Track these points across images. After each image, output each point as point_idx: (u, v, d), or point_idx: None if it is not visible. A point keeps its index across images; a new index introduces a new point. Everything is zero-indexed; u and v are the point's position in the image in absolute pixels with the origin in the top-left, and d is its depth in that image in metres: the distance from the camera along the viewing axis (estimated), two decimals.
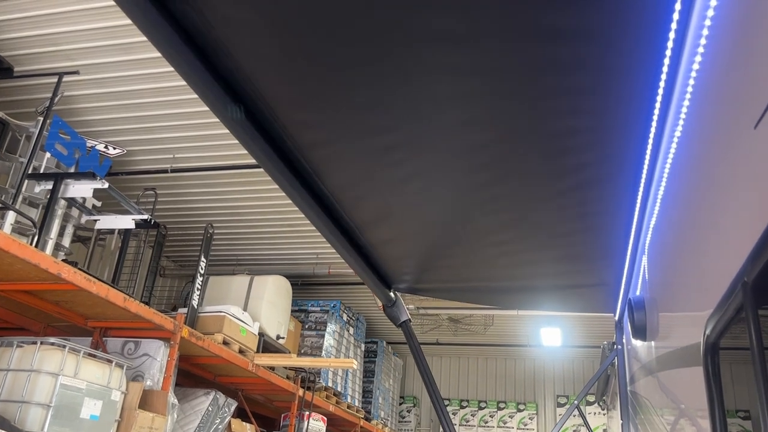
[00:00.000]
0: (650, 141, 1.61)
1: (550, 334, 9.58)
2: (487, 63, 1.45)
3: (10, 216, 4.32)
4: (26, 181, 4.46)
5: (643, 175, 1.75)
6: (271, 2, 1.28)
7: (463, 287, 2.84)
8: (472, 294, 3.03)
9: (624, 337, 2.97)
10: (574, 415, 10.82)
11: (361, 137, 1.72)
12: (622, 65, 1.42)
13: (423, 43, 1.38)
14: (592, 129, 1.64)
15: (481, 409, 11.43)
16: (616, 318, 3.00)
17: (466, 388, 11.94)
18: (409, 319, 2.73)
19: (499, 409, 11.35)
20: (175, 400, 4.86)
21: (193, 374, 6.22)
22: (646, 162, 1.70)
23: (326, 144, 1.75)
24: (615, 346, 3.02)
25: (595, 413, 10.57)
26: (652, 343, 1.95)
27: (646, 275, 2.00)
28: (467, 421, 11.38)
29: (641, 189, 1.79)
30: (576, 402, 3.18)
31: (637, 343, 2.31)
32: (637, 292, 2.25)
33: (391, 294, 2.65)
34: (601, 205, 1.98)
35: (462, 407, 11.53)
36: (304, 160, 1.82)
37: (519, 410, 11.25)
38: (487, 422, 11.26)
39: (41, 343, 3.77)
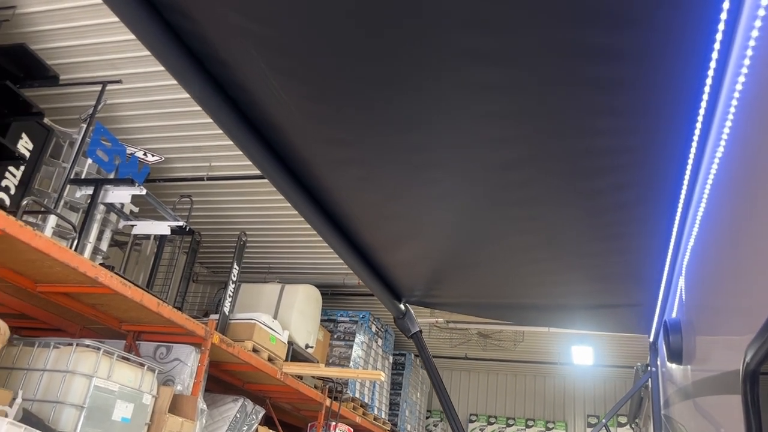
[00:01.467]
0: (690, 161, 1.58)
1: (582, 352, 9.41)
2: (522, 81, 1.44)
3: (52, 220, 4.44)
4: (68, 186, 4.59)
5: (682, 195, 1.71)
6: (295, 18, 1.29)
7: (488, 303, 2.81)
8: (497, 310, 2.99)
9: (658, 359, 2.90)
10: None
11: (385, 153, 1.72)
12: (662, 83, 1.40)
13: (455, 60, 1.38)
14: (631, 149, 1.62)
15: (509, 426, 11.27)
16: (651, 339, 2.93)
17: (494, 404, 11.79)
18: (420, 330, 2.71)
19: (528, 426, 11.18)
20: (204, 406, 4.91)
21: (222, 380, 6.28)
22: (686, 182, 1.66)
23: (344, 160, 1.76)
24: (649, 368, 2.95)
25: None
26: (689, 367, 1.90)
27: (683, 297, 1.95)
28: None
29: (679, 209, 1.76)
30: (604, 421, 3.11)
31: (673, 366, 2.26)
32: (673, 314, 2.20)
33: (402, 306, 2.64)
34: (638, 225, 1.95)
35: (490, 423, 11.39)
36: (309, 172, 1.82)
37: (548, 428, 11.06)
38: None
39: (77, 344, 3.85)
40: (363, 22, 1.29)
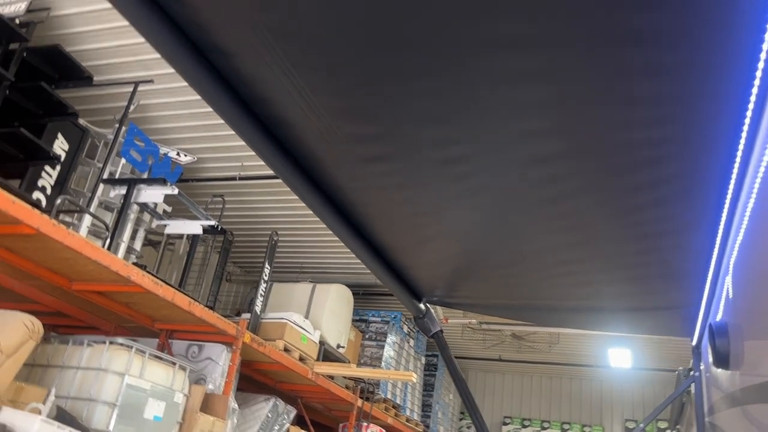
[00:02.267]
0: (740, 150, 1.48)
1: (620, 355, 9.18)
2: (559, 70, 1.36)
3: (87, 219, 4.49)
4: (102, 185, 4.64)
5: (730, 188, 1.61)
6: (314, 5, 1.24)
7: (517, 305, 2.72)
8: (527, 312, 2.90)
9: (702, 363, 2.77)
10: None
11: (410, 149, 1.65)
12: (709, 70, 1.30)
13: (488, 49, 1.31)
14: (674, 140, 1.52)
15: (544, 429, 11.08)
16: (694, 343, 2.80)
17: (528, 406, 11.61)
18: (441, 330, 2.67)
19: (563, 430, 10.97)
20: (236, 405, 4.92)
21: (255, 380, 6.29)
22: (734, 173, 1.56)
23: (366, 157, 1.70)
24: (692, 373, 2.82)
25: None
26: (737, 372, 1.79)
27: (730, 298, 1.84)
28: None
29: (727, 203, 1.65)
30: (642, 426, 2.98)
31: (718, 371, 2.14)
32: (719, 317, 2.09)
33: (422, 306, 2.59)
34: (680, 222, 1.85)
35: (524, 426, 11.21)
36: (325, 171, 1.76)
37: None
38: None
39: (110, 342, 3.88)
40: (390, 7, 1.23)
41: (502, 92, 1.43)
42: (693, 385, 2.82)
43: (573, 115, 1.48)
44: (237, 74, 1.47)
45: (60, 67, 4.06)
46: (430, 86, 1.43)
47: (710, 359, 2.12)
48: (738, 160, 1.54)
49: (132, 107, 4.73)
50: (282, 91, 1.47)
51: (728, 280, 1.87)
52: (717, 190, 1.66)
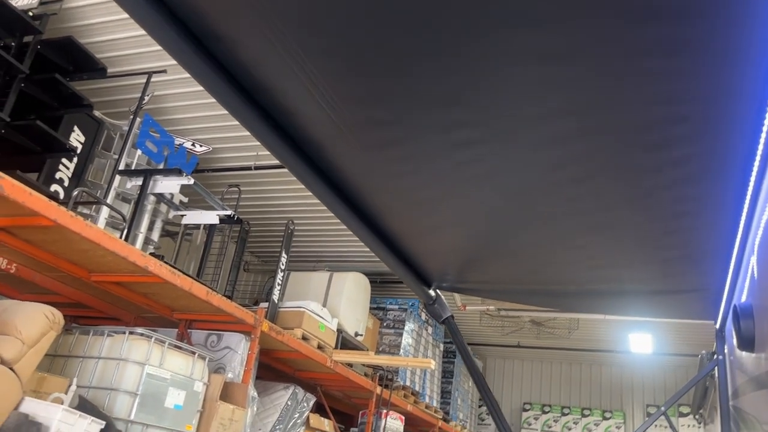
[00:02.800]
0: (765, 128, 1.43)
1: (640, 340, 9.09)
2: (576, 46, 1.32)
3: (105, 211, 4.52)
4: (119, 177, 4.66)
5: (755, 166, 1.56)
6: None
7: (534, 290, 2.68)
8: (545, 298, 2.86)
9: (726, 347, 2.72)
10: (665, 427, 10.25)
11: (422, 132, 1.61)
12: (731, 44, 1.25)
13: (501, 27, 1.27)
14: (695, 117, 1.47)
15: (564, 415, 11.04)
16: (717, 326, 2.74)
17: (548, 393, 11.57)
18: (452, 316, 2.66)
19: (584, 416, 10.92)
20: (255, 393, 4.94)
21: (274, 368, 6.33)
22: (759, 151, 1.51)
23: (375, 142, 1.66)
24: (715, 356, 2.77)
25: (689, 425, 9.96)
26: (762, 355, 1.75)
27: (756, 279, 1.79)
28: (549, 427, 11.02)
29: (752, 181, 1.60)
30: (663, 408, 2.93)
31: (743, 354, 2.09)
32: (743, 298, 2.04)
33: (432, 292, 2.57)
34: (703, 202, 1.80)
35: (544, 412, 11.18)
36: (331, 157, 1.73)
37: (605, 418, 10.78)
38: (570, 429, 10.87)
39: (129, 333, 3.91)
40: None
41: (516, 72, 1.39)
42: (716, 369, 2.77)
43: (590, 94, 1.44)
44: (238, 62, 1.44)
45: (74, 59, 4.07)
46: (442, 67, 1.40)
47: (734, 342, 2.07)
48: (763, 136, 1.49)
49: (146, 98, 4.74)
50: (288, 77, 1.44)
51: (753, 260, 1.82)
52: (741, 167, 1.61)
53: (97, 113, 4.83)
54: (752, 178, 1.58)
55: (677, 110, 1.44)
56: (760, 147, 1.48)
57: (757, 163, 1.56)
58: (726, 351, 2.72)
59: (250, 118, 1.55)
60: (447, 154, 1.69)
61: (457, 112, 1.53)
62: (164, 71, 4.78)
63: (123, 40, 4.66)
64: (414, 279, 2.45)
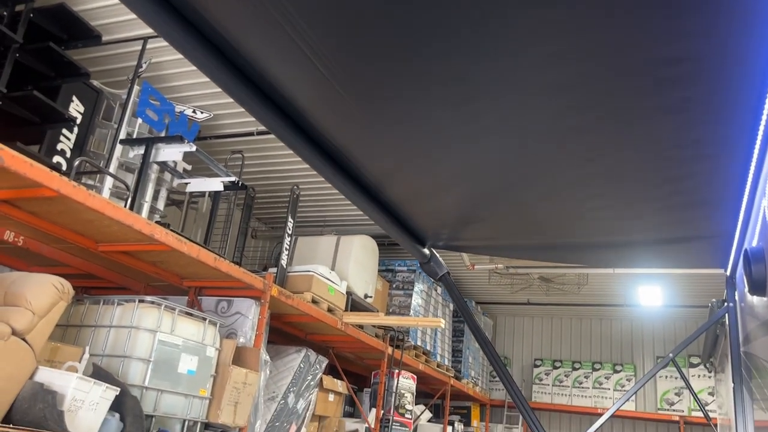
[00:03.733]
0: None
1: (650, 292, 9.10)
2: None
3: (109, 181, 4.50)
4: (121, 146, 4.63)
5: (766, 106, 1.51)
6: None
7: (539, 245, 2.65)
8: (552, 252, 2.82)
9: (737, 293, 2.70)
10: (675, 377, 10.34)
11: (420, 86, 1.56)
12: None
13: None
14: (703, 56, 1.42)
15: (575, 369, 11.15)
16: (728, 273, 2.72)
17: (559, 348, 11.66)
18: (448, 272, 2.65)
19: (595, 370, 11.02)
20: (267, 357, 4.99)
21: (285, 332, 6.39)
22: None
23: (370, 96, 1.61)
24: (726, 304, 2.75)
25: (700, 375, 10.04)
26: None
27: (767, 221, 1.76)
28: (561, 382, 11.14)
29: (763, 121, 1.55)
30: (671, 355, 2.92)
31: (754, 299, 2.07)
32: (754, 242, 2.01)
33: (426, 251, 2.56)
34: (712, 145, 1.75)
35: (555, 368, 11.29)
36: (310, 116, 1.68)
37: (616, 371, 10.88)
38: (581, 383, 10.98)
39: (139, 301, 3.93)
40: None
41: (515, 16, 1.34)
42: (727, 316, 2.76)
43: (592, 36, 1.38)
44: (211, 22, 1.39)
45: (68, 27, 4.00)
46: (439, 14, 1.34)
47: (745, 288, 2.05)
48: None
49: (144, 65, 4.67)
50: (273, 28, 1.39)
51: (765, 202, 1.78)
52: (752, 106, 1.56)
53: (95, 83, 4.77)
54: (764, 117, 1.53)
55: (684, 49, 1.39)
56: None
57: (767, 104, 1.51)
58: (737, 298, 2.70)
59: (226, 77, 1.50)
60: (443, 109, 1.64)
61: (454, 62, 1.47)
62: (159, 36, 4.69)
63: (116, 7, 4.57)
64: (408, 239, 2.43)
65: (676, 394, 10.32)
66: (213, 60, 1.46)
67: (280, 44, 1.43)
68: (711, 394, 9.73)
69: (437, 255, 2.65)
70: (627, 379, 10.80)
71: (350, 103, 1.63)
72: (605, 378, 10.89)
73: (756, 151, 1.69)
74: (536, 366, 11.49)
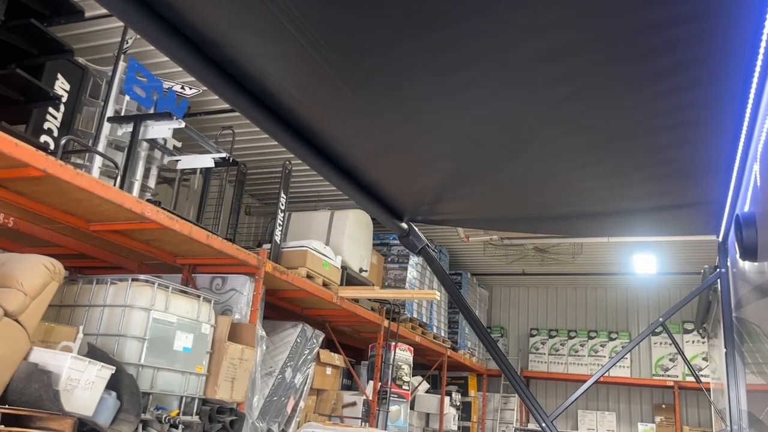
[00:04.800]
0: (767, 29, 1.35)
1: (644, 261, 9.14)
2: None
3: (98, 160, 4.45)
4: (109, 124, 4.57)
5: (757, 69, 1.48)
6: None
7: (527, 216, 2.63)
8: (542, 223, 2.81)
9: (729, 259, 2.70)
10: (669, 344, 10.45)
11: (403, 59, 1.51)
12: None
13: None
14: (692, 17, 1.38)
15: (571, 338, 11.25)
16: (720, 239, 2.72)
17: (555, 318, 11.76)
18: (427, 245, 2.65)
19: (590, 338, 11.13)
20: (263, 333, 5.01)
21: (281, 308, 6.41)
22: (761, 54, 1.43)
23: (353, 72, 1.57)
24: (718, 270, 2.76)
25: (694, 341, 10.15)
26: (765, 264, 1.72)
27: (758, 186, 1.74)
28: (557, 351, 11.26)
29: (754, 84, 1.53)
30: (661, 319, 2.93)
31: (746, 265, 2.07)
32: (746, 208, 2.00)
33: (404, 225, 2.55)
34: (704, 110, 1.73)
35: (551, 337, 11.40)
36: (277, 83, 1.63)
37: (611, 339, 10.99)
38: (577, 351, 11.09)
39: (132, 280, 3.92)
40: None
41: None
42: (719, 282, 2.77)
43: (582, 2, 1.35)
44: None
45: (49, 3, 3.91)
46: None
47: (737, 253, 2.04)
48: (765, 37, 1.41)
49: (129, 41, 4.59)
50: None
51: (756, 167, 1.76)
52: (743, 71, 1.53)
53: (81, 60, 4.69)
54: (754, 81, 1.51)
55: (673, 11, 1.36)
56: (762, 48, 1.40)
57: (759, 66, 1.49)
58: (729, 263, 2.70)
59: (177, 47, 1.45)
60: (427, 80, 1.61)
61: (437, 31, 1.44)
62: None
63: None
64: (385, 213, 2.42)
65: (670, 360, 10.45)
66: (165, 34, 1.40)
67: (246, 11, 1.38)
68: (705, 359, 9.85)
69: (416, 229, 2.64)
70: (622, 347, 10.90)
71: (326, 79, 1.59)
72: (600, 346, 11.01)
73: (747, 117, 1.67)
74: (532, 335, 11.59)
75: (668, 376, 10.39)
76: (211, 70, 1.52)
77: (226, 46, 1.48)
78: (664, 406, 10.50)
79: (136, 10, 1.33)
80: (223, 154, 5.08)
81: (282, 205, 5.85)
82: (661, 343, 10.59)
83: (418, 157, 2.05)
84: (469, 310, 2.62)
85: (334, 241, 6.63)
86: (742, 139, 1.79)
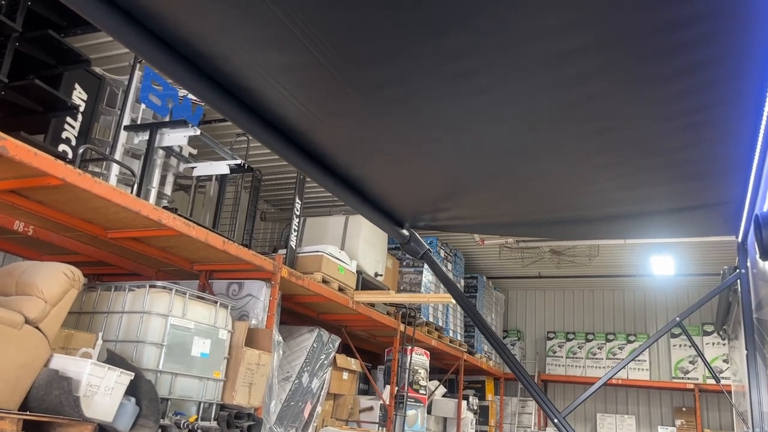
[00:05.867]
0: None
1: (662, 262, 9.05)
2: None
3: (115, 168, 4.51)
4: (125, 133, 4.62)
5: None
6: None
7: (540, 220, 2.61)
8: (555, 228, 2.77)
9: (748, 260, 2.67)
10: (688, 346, 10.33)
11: (412, 64, 1.51)
12: None
13: None
14: (710, 16, 1.37)
15: (588, 341, 11.16)
16: (739, 239, 2.68)
17: (572, 320, 11.67)
18: (429, 250, 2.66)
19: (608, 341, 11.03)
20: (280, 338, 5.02)
21: (297, 312, 6.42)
22: None
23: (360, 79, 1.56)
24: (737, 270, 2.72)
25: (714, 343, 10.02)
26: None
27: None
28: (574, 354, 11.17)
29: None
30: (678, 319, 2.89)
31: (766, 265, 2.04)
32: (765, 207, 1.97)
33: (405, 232, 2.55)
34: (722, 108, 1.71)
35: (568, 340, 11.31)
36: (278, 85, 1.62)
37: (629, 341, 10.88)
38: (595, 354, 11.00)
39: (150, 286, 3.96)
40: None
41: None
42: (739, 283, 2.73)
43: (598, 3, 1.35)
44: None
45: (66, 13, 3.97)
46: None
47: (757, 254, 2.02)
48: None
49: None
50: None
51: None
52: (761, 67, 1.51)
53: (98, 69, 4.75)
54: None
55: (690, 9, 1.35)
56: None
57: None
58: (749, 264, 2.67)
59: (164, 57, 1.44)
60: (436, 87, 1.60)
61: (449, 36, 1.43)
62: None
63: None
64: (386, 221, 2.41)
65: (690, 362, 10.33)
66: (146, 41, 1.40)
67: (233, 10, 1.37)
68: (725, 361, 9.72)
69: (417, 235, 2.64)
70: None
71: (331, 86, 1.58)
72: (619, 348, 10.90)
73: (765, 116, 1.65)
74: (549, 339, 11.51)
75: (688, 378, 10.27)
76: (202, 80, 1.52)
77: (220, 57, 1.47)
78: (684, 409, 10.37)
79: (133, 29, 1.33)
80: (238, 161, 5.12)
81: (297, 210, 5.87)
82: (680, 345, 10.48)
83: (422, 164, 2.03)
84: (474, 311, 2.60)
85: (349, 246, 6.64)
86: (760, 139, 1.77)
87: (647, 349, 10.74)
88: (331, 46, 1.44)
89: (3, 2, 3.72)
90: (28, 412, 2.93)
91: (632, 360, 2.53)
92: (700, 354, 3.04)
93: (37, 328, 3.08)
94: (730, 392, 6.86)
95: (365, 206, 2.23)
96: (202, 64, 1.51)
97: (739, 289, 2.74)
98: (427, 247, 2.64)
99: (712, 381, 9.94)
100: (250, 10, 1.33)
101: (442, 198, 2.33)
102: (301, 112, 1.69)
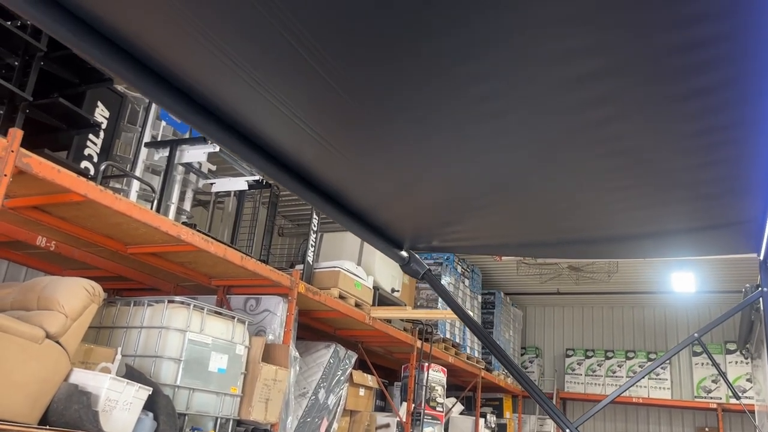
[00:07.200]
0: None
1: (683, 279, 8.93)
2: None
3: (135, 184, 4.57)
4: (146, 149, 4.69)
5: None
6: None
7: (552, 241, 2.58)
8: (572, 247, 2.75)
9: None
10: (710, 365, 10.14)
11: (420, 82, 1.51)
12: None
13: None
14: (727, 36, 1.37)
15: (608, 358, 11.02)
16: (761, 257, 2.65)
17: (591, 338, 11.53)
18: (429, 270, 2.63)
19: (628, 358, 10.88)
20: (297, 353, 5.03)
21: (314, 328, 6.42)
22: None
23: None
24: (760, 288, 2.68)
25: (737, 362, 9.83)
26: None
27: None
28: (593, 372, 11.02)
29: None
30: (696, 335, 2.84)
31: None
32: None
33: (404, 254, 2.53)
34: (742, 128, 1.70)
35: (587, 357, 11.17)
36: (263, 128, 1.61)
37: (650, 359, 10.72)
38: (615, 372, 10.85)
39: (169, 301, 3.99)
40: None
41: (529, 9, 1.30)
42: (761, 301, 2.69)
43: (615, 23, 1.35)
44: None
45: None
46: (448, 10, 1.31)
47: None
48: None
49: None
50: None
51: None
52: None
53: (119, 87, 4.83)
54: None
55: (708, 30, 1.34)
56: None
57: None
58: None
59: (154, 88, 1.45)
60: (447, 113, 1.60)
61: (465, 63, 1.43)
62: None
63: None
64: (384, 243, 2.40)
65: (713, 381, 10.14)
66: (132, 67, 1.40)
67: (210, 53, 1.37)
68: (749, 380, 9.53)
69: (416, 255, 2.62)
70: (662, 368, 10.63)
71: (334, 107, 1.58)
72: (639, 366, 10.74)
73: None
74: (568, 356, 11.38)
75: (711, 398, 10.07)
76: (191, 106, 1.52)
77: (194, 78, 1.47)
78: (707, 429, 10.17)
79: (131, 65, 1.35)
80: (257, 177, 5.16)
81: (314, 226, 5.89)
82: (702, 364, 10.30)
83: (424, 188, 2.02)
84: (479, 327, 2.58)
85: (366, 262, 6.65)
86: None
87: (669, 368, 10.57)
88: (334, 59, 1.44)
89: (28, 23, 3.82)
90: (47, 427, 2.96)
91: (648, 374, 2.50)
92: (720, 371, 3.00)
93: (57, 342, 3.12)
94: (753, 412, 6.72)
95: (362, 228, 2.23)
96: (197, 96, 1.52)
97: (762, 308, 2.70)
98: (427, 267, 2.63)
99: (735, 401, 9.75)
100: (255, 39, 1.34)
101: (446, 220, 2.32)
102: (297, 137, 1.69)
